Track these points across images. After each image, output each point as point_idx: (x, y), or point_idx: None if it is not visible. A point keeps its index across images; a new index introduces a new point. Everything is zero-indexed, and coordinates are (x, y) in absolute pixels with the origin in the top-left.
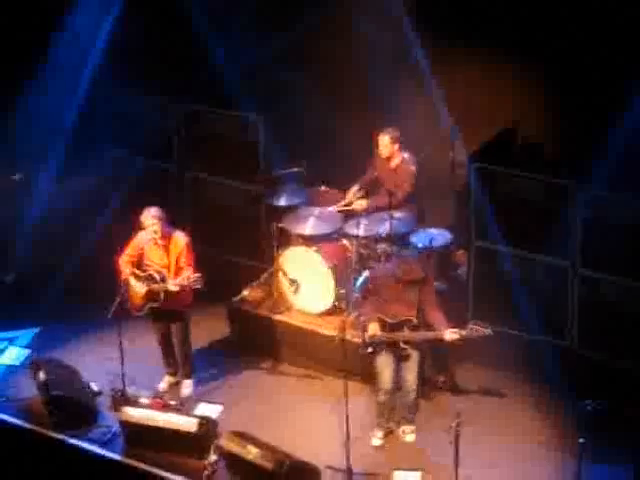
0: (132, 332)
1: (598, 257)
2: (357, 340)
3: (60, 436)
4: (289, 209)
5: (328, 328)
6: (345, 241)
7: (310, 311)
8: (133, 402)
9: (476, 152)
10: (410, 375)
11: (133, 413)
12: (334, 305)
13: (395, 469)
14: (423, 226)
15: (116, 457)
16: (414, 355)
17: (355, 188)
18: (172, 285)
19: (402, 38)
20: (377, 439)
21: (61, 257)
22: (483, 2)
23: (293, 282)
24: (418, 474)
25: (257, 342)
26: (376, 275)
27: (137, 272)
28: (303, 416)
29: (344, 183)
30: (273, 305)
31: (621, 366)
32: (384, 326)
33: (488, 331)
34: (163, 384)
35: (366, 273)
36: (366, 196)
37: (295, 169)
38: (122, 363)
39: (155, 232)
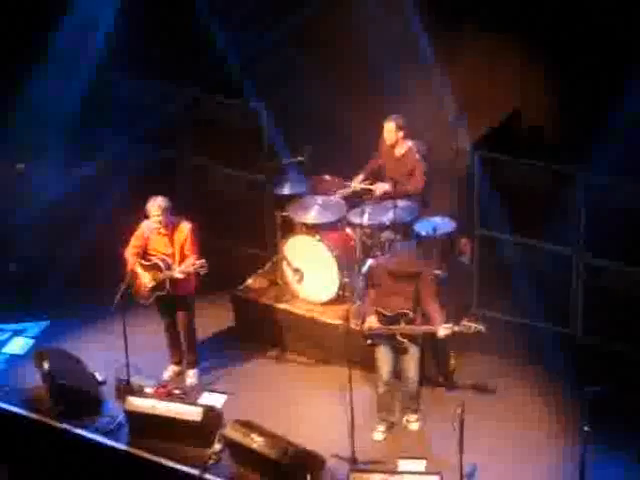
0: (136, 321)
1: (602, 243)
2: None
3: (65, 426)
4: (293, 197)
5: (332, 317)
6: (349, 230)
7: (314, 300)
8: (138, 391)
9: (479, 139)
10: (410, 367)
11: (138, 402)
12: (338, 294)
13: (400, 457)
14: (427, 214)
15: (121, 446)
16: (413, 348)
17: (360, 177)
18: (177, 272)
19: (404, 22)
20: (379, 433)
21: (63, 246)
22: None
23: (297, 271)
24: (423, 462)
25: (261, 331)
26: (375, 267)
27: (142, 262)
28: (307, 405)
29: (347, 169)
30: (277, 294)
31: (625, 353)
32: (382, 319)
33: (480, 327)
34: (168, 373)
35: (369, 262)
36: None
37: (300, 158)
38: (126, 352)
39: (159, 222)
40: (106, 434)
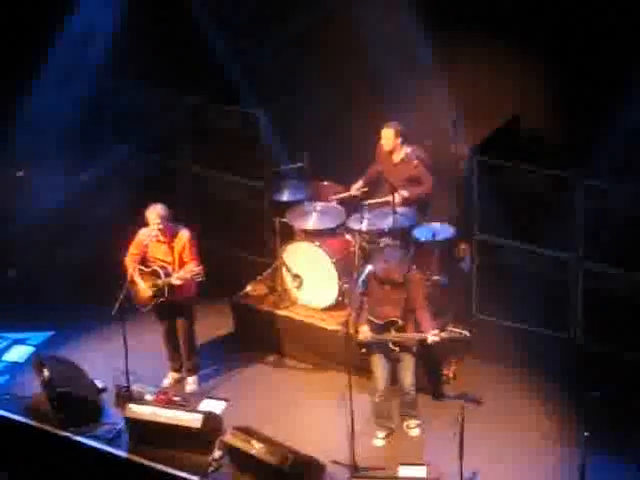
0: (136, 329)
1: (602, 248)
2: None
3: (65, 433)
4: (292, 204)
5: (332, 323)
6: (348, 236)
7: (314, 306)
8: (138, 399)
9: (478, 144)
10: (406, 375)
11: (138, 410)
12: (337, 300)
13: (400, 463)
14: (426, 220)
15: (121, 454)
16: (406, 356)
17: (359, 184)
18: (175, 279)
19: (404, 29)
20: (379, 439)
21: (63, 253)
22: None
23: (296, 277)
24: (423, 468)
25: (261, 337)
26: (370, 274)
27: (142, 268)
28: (307, 411)
29: (347, 175)
30: (276, 300)
31: (626, 358)
32: (373, 327)
33: (465, 333)
34: (167, 380)
35: (368, 268)
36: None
37: (299, 164)
38: (126, 359)
39: (158, 230)
40: (106, 441)
